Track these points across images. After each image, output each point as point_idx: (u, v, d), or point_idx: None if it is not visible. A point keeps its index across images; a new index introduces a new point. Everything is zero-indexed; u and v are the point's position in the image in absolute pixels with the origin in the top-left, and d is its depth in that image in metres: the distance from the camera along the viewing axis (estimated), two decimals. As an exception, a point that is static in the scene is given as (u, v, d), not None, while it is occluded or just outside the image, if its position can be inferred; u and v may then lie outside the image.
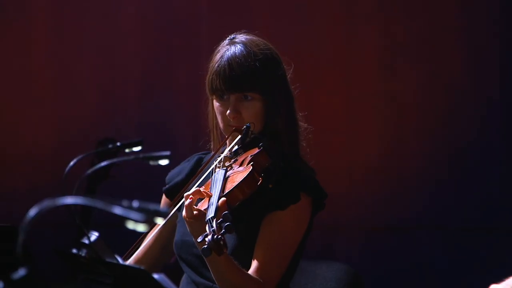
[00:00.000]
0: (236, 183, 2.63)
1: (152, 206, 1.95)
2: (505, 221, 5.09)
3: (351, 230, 5.25)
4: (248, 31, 2.96)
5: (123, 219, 1.93)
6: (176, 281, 2.92)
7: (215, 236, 2.42)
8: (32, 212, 1.86)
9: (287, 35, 5.21)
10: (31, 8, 5.45)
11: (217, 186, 2.65)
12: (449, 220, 5.15)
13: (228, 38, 2.93)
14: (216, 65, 2.86)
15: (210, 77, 2.88)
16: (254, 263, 2.73)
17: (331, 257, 5.18)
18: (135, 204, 1.96)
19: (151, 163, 3.00)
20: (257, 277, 2.71)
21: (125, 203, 1.95)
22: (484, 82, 5.14)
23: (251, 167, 2.67)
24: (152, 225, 2.13)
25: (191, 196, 2.64)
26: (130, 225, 1.93)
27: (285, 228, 2.78)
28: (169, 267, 4.62)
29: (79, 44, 5.46)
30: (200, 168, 2.92)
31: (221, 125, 2.90)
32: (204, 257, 2.52)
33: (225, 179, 2.69)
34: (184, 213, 2.63)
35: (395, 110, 5.21)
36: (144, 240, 2.82)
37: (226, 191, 2.63)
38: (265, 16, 5.30)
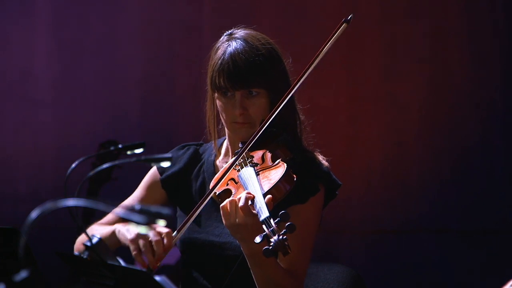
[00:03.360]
0: (274, 181, 2.56)
1: (153, 208, 1.95)
2: (507, 224, 5.09)
3: (353, 232, 5.25)
4: (245, 26, 2.90)
5: (125, 221, 1.94)
6: (177, 283, 2.92)
7: (280, 236, 2.32)
8: (34, 214, 1.86)
9: (289, 38, 5.21)
10: (32, 12, 5.46)
11: (254, 185, 2.54)
12: (451, 223, 5.15)
13: (225, 34, 2.86)
14: (219, 62, 2.77)
15: (213, 74, 2.79)
16: (284, 258, 2.65)
17: (333, 259, 5.18)
18: (137, 206, 1.96)
19: (153, 165, 3.00)
20: (290, 270, 2.68)
21: (127, 205, 1.96)
22: (486, 84, 5.14)
23: (285, 165, 2.61)
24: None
25: (246, 195, 2.50)
26: (132, 227, 1.94)
27: (307, 220, 2.76)
28: (170, 269, 4.62)
29: (81, 47, 5.47)
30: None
31: (225, 122, 2.83)
32: (265, 256, 2.34)
33: (258, 177, 2.60)
34: (240, 212, 2.50)
35: (397, 113, 5.21)
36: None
37: (266, 189, 2.53)
38: (267, 19, 5.30)
